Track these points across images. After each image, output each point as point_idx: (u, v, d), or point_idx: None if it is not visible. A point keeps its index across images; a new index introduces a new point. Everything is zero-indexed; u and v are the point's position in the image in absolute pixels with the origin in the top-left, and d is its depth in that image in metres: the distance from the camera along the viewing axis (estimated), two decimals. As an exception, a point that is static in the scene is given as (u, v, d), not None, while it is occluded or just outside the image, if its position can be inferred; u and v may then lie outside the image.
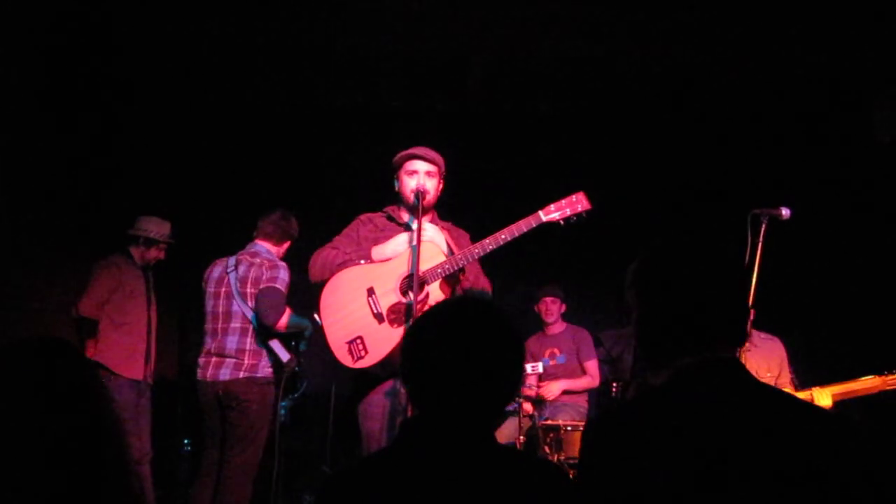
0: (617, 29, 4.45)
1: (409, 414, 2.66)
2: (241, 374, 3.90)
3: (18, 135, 4.18)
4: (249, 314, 3.97)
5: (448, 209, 3.39)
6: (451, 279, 3.04)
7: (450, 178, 3.33)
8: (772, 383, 3.66)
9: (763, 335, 4.00)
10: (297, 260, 4.08)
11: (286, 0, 4.27)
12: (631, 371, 4.77)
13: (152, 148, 5.28)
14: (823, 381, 3.41)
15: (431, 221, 3.24)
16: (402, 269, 3.00)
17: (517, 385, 1.54)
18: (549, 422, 4.46)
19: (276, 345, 3.99)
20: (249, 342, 3.96)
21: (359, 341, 2.94)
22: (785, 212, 3.15)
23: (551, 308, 5.28)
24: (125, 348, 4.38)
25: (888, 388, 3.29)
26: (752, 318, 3.16)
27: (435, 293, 2.98)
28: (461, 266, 3.00)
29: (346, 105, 5.33)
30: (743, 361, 3.25)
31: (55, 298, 4.49)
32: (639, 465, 1.31)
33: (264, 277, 3.98)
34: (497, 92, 5.24)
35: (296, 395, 4.14)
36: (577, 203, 3.04)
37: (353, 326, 2.96)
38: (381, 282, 3.01)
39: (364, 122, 5.39)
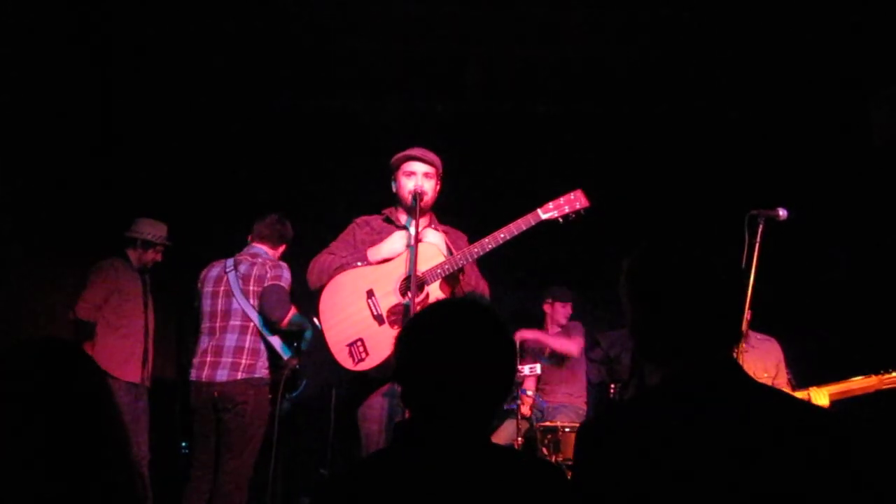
0: (615, 30, 4.46)
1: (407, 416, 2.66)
2: (239, 375, 3.88)
3: (17, 137, 4.18)
4: (251, 312, 3.96)
5: (446, 210, 3.39)
6: (451, 280, 3.04)
7: (448, 179, 3.34)
8: (769, 384, 3.66)
9: (759, 336, 4.00)
10: (293, 265, 4.08)
11: (285, 2, 4.27)
12: (629, 372, 4.78)
13: (149, 150, 5.26)
14: (820, 381, 3.42)
15: (429, 223, 3.24)
16: (401, 270, 3.00)
17: (510, 385, 1.54)
18: (548, 423, 4.47)
19: (276, 342, 3.98)
20: (249, 340, 3.95)
21: (359, 343, 2.94)
22: (782, 213, 3.15)
23: (561, 311, 5.33)
24: (122, 351, 4.37)
25: (885, 387, 3.29)
26: (748, 318, 3.17)
27: (435, 294, 2.98)
28: (460, 266, 3.00)
29: (344, 107, 5.32)
30: (740, 363, 3.26)
31: (52, 301, 4.48)
32: (632, 465, 1.31)
33: (269, 276, 3.98)
34: (495, 93, 5.24)
35: (295, 394, 4.14)
36: (575, 201, 3.05)
37: (354, 329, 2.96)
38: (381, 284, 3.00)
39: (362, 124, 5.38)
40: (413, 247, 2.93)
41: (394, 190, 3.27)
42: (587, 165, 5.39)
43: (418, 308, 2.80)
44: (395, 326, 2.93)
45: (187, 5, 4.21)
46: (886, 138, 4.43)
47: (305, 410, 4.92)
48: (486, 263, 3.22)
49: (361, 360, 2.92)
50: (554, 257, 5.58)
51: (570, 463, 4.03)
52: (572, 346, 5.17)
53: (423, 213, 3.11)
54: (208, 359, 3.94)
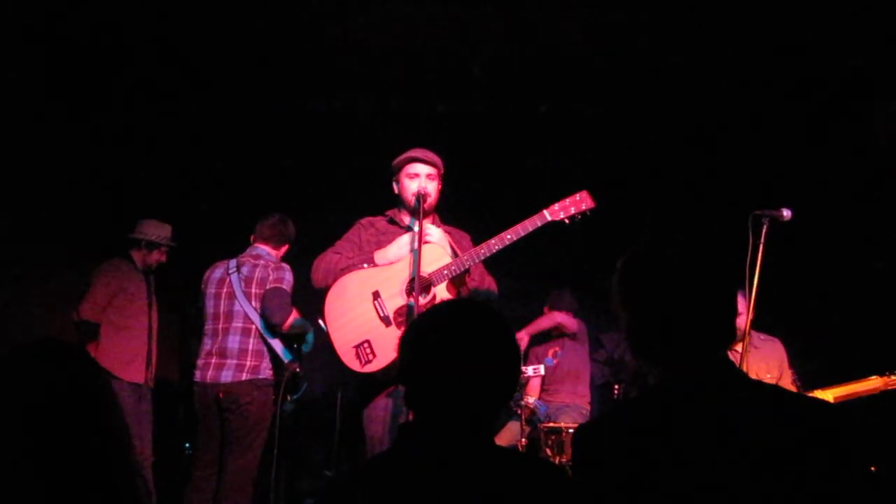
0: (617, 30, 4.45)
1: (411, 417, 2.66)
2: (244, 376, 3.89)
3: (19, 138, 4.18)
4: (253, 314, 3.97)
5: (447, 211, 3.39)
6: (456, 280, 3.03)
7: (449, 179, 3.33)
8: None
9: (763, 336, 3.99)
10: (295, 264, 4.09)
11: (286, 1, 4.27)
12: (633, 373, 4.77)
13: (153, 151, 5.27)
14: (825, 382, 3.41)
15: (433, 224, 3.24)
16: (407, 271, 3.00)
17: (514, 386, 1.54)
18: (551, 424, 4.47)
19: (277, 346, 3.99)
20: (252, 342, 3.95)
21: (366, 345, 2.93)
22: (786, 213, 3.15)
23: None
24: (126, 352, 4.38)
25: (890, 388, 3.29)
26: (752, 318, 3.16)
27: (442, 295, 2.98)
28: (467, 267, 3.00)
29: (346, 107, 5.33)
30: (744, 364, 3.25)
31: (57, 302, 4.49)
32: (630, 466, 1.31)
33: (271, 278, 3.98)
34: (498, 93, 5.23)
35: (296, 397, 4.14)
36: (581, 202, 3.04)
37: (360, 330, 2.96)
38: (387, 285, 3.00)
39: (364, 124, 5.38)
40: (419, 250, 2.92)
41: (396, 191, 3.26)
42: (590, 165, 5.39)
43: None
44: (403, 328, 2.92)
45: (188, 5, 4.21)
46: (888, 138, 4.42)
47: (310, 412, 4.92)
48: (488, 266, 3.23)
49: (369, 361, 2.92)
50: (555, 259, 5.58)
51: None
52: (561, 317, 5.15)
53: (426, 214, 3.11)
54: (213, 360, 3.95)
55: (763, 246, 3.07)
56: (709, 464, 1.28)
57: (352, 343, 2.94)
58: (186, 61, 4.76)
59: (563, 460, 4.21)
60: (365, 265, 3.08)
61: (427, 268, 2.97)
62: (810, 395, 3.41)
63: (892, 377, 3.28)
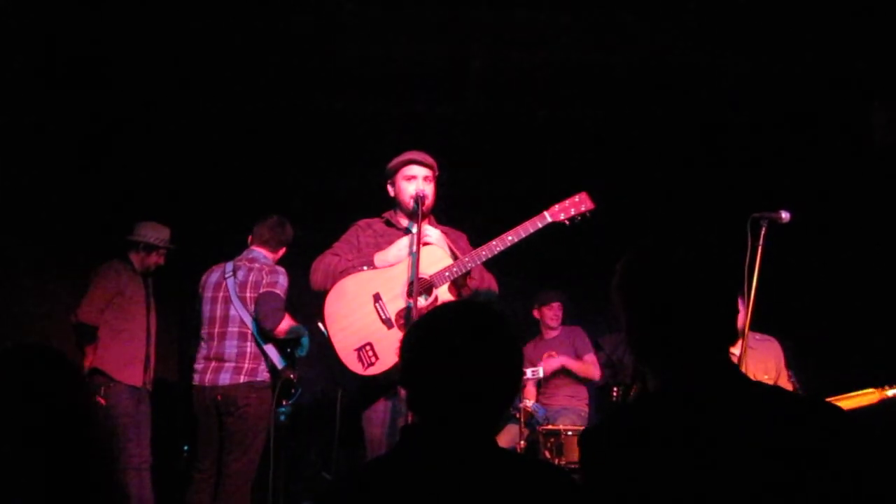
0: (615, 33, 4.45)
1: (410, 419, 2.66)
2: (242, 379, 3.90)
3: (17, 139, 4.18)
4: (248, 319, 3.97)
5: (445, 213, 3.39)
6: (458, 281, 3.04)
7: (448, 182, 3.34)
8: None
9: (759, 336, 3.99)
10: (291, 267, 4.08)
11: (285, 3, 4.27)
12: (632, 375, 4.77)
13: (151, 153, 5.27)
14: (823, 385, 3.41)
15: (430, 225, 3.24)
16: (407, 273, 3.00)
17: (516, 388, 1.53)
18: (550, 426, 4.47)
19: (271, 351, 3.99)
20: (249, 346, 3.96)
21: (368, 348, 2.93)
22: (785, 215, 3.15)
23: (559, 314, 5.33)
24: (125, 355, 4.36)
25: (886, 398, 3.27)
26: (750, 320, 3.16)
27: (444, 297, 2.98)
28: (468, 269, 3.01)
29: (344, 109, 5.33)
30: (741, 364, 3.25)
31: (54, 305, 4.48)
32: (636, 469, 1.31)
33: (264, 282, 3.98)
34: (495, 96, 5.24)
35: (291, 402, 4.14)
36: (580, 203, 3.05)
37: (362, 333, 2.95)
38: (388, 287, 3.00)
39: (363, 126, 5.39)
40: (417, 252, 2.92)
41: (392, 194, 3.27)
42: (588, 168, 5.39)
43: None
44: (404, 330, 2.92)
45: (188, 5, 4.21)
46: (888, 140, 4.42)
47: (309, 414, 4.92)
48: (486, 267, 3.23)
49: (371, 364, 2.92)
50: (553, 261, 5.58)
51: (572, 466, 4.03)
52: (595, 370, 5.19)
53: (424, 216, 3.12)
54: (211, 364, 3.96)
55: (762, 248, 3.07)
56: (712, 465, 1.28)
57: (353, 346, 2.94)
58: (186, 62, 4.76)
59: (563, 462, 4.20)
60: (365, 267, 3.08)
61: (428, 269, 2.97)
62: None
63: (889, 389, 3.26)
